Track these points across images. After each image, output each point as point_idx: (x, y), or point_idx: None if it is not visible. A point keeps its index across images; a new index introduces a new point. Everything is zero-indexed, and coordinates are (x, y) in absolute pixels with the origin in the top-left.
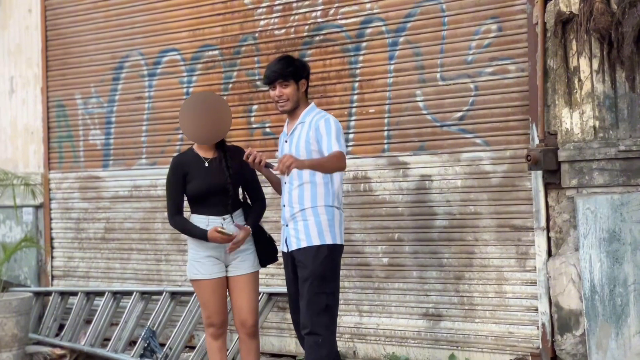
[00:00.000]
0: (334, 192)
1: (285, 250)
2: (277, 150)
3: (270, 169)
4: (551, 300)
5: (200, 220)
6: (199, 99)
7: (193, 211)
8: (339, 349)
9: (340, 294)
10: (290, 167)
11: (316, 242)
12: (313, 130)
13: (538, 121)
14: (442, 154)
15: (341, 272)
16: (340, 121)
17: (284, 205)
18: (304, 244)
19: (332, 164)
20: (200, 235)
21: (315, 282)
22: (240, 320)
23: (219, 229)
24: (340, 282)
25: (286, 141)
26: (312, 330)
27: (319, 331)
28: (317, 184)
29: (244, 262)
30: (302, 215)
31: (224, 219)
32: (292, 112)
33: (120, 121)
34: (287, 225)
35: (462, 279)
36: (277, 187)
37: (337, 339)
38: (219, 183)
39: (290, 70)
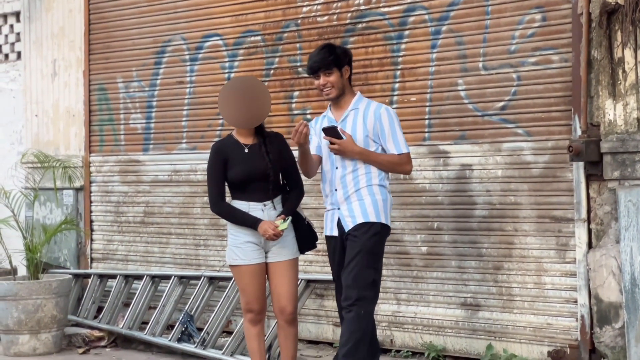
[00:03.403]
0: (386, 173)
1: (336, 234)
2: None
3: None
4: (591, 292)
5: (240, 206)
6: (238, 83)
7: (234, 197)
8: None
9: None
10: (345, 154)
11: (372, 219)
12: (372, 119)
13: (581, 112)
14: (483, 144)
15: None
16: None
17: (336, 190)
18: (360, 220)
19: (393, 168)
20: (250, 222)
21: (366, 256)
22: (279, 306)
23: (277, 224)
24: None
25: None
26: (354, 302)
27: (363, 304)
28: (371, 165)
29: (283, 249)
30: (357, 196)
31: (265, 205)
32: (338, 99)
33: (161, 105)
34: (338, 208)
35: (501, 269)
36: (310, 166)
37: None
38: (259, 169)
39: (332, 58)
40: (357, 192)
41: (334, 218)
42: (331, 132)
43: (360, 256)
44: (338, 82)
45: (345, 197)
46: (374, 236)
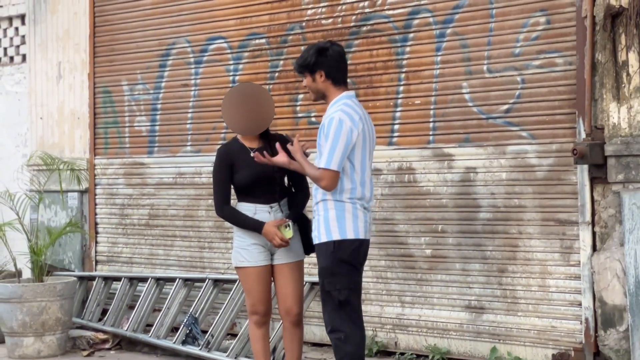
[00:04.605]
0: (346, 187)
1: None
2: None
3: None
4: (595, 295)
5: (247, 209)
6: (242, 91)
7: (240, 199)
8: (380, 339)
9: (382, 285)
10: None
11: (324, 238)
12: (322, 128)
13: (585, 115)
14: (487, 147)
15: (384, 263)
16: (385, 112)
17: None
18: (316, 241)
19: (314, 183)
20: (254, 226)
21: (326, 279)
22: (286, 308)
23: (280, 227)
24: (383, 273)
25: None
26: (332, 327)
27: (340, 327)
28: None
29: (289, 251)
30: (317, 210)
31: (272, 207)
32: (321, 101)
33: (165, 108)
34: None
35: (505, 272)
36: None
37: (379, 329)
38: (265, 173)
39: (300, 62)
40: (317, 206)
41: None
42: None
43: (321, 281)
44: (311, 86)
45: (313, 209)
46: (330, 256)
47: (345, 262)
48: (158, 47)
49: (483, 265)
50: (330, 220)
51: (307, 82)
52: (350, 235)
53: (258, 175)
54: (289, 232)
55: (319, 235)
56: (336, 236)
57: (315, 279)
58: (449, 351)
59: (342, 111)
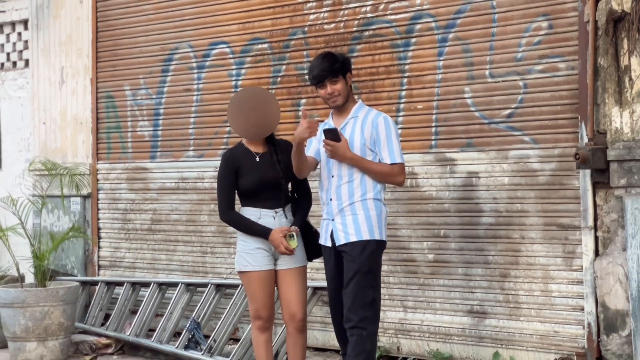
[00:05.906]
0: (382, 186)
1: (329, 245)
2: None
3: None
4: (597, 300)
5: (251, 214)
6: (247, 95)
7: (244, 204)
8: (382, 344)
9: (384, 290)
10: (338, 157)
11: (366, 236)
12: (370, 127)
13: (587, 120)
14: (489, 151)
15: (386, 268)
16: None
17: (331, 199)
18: (353, 239)
19: (385, 179)
20: (260, 232)
21: (363, 276)
22: (290, 313)
23: (285, 236)
24: (385, 278)
25: None
26: (356, 324)
27: (364, 325)
28: (367, 177)
29: (293, 256)
30: (351, 209)
31: (276, 212)
32: (341, 107)
33: (168, 113)
34: (332, 220)
35: (508, 277)
36: (302, 162)
37: (381, 334)
38: (270, 178)
39: (337, 65)
40: (351, 206)
41: (328, 229)
42: (332, 134)
43: (358, 277)
44: (344, 90)
45: (339, 209)
46: (370, 255)
47: (380, 262)
48: (160, 52)
49: (485, 270)
50: (372, 220)
51: (340, 85)
52: (384, 237)
53: (263, 180)
54: (293, 242)
55: (358, 233)
56: (377, 236)
57: (318, 283)
58: (452, 356)
59: (385, 114)
